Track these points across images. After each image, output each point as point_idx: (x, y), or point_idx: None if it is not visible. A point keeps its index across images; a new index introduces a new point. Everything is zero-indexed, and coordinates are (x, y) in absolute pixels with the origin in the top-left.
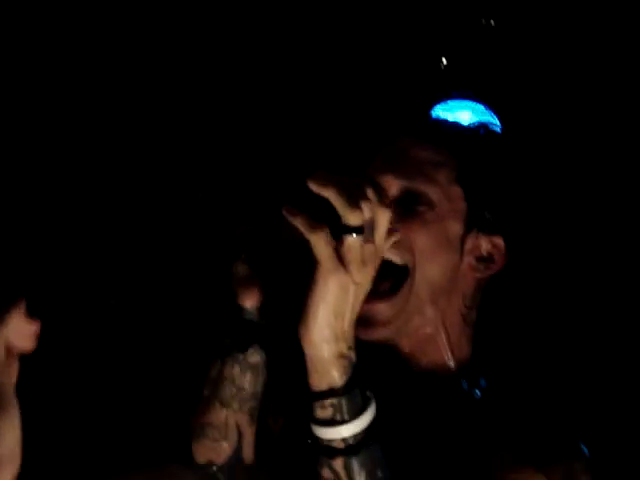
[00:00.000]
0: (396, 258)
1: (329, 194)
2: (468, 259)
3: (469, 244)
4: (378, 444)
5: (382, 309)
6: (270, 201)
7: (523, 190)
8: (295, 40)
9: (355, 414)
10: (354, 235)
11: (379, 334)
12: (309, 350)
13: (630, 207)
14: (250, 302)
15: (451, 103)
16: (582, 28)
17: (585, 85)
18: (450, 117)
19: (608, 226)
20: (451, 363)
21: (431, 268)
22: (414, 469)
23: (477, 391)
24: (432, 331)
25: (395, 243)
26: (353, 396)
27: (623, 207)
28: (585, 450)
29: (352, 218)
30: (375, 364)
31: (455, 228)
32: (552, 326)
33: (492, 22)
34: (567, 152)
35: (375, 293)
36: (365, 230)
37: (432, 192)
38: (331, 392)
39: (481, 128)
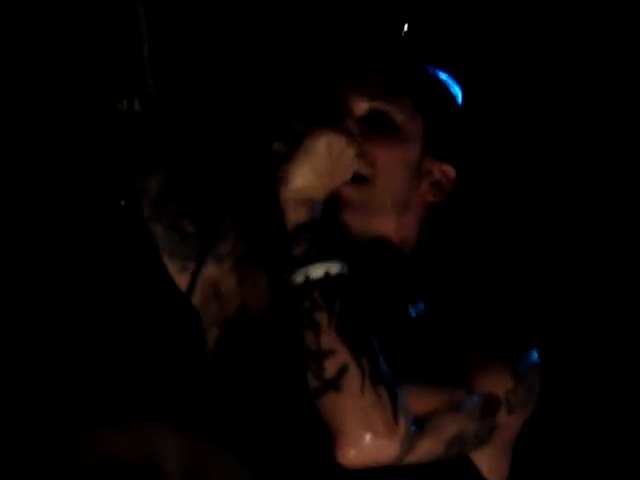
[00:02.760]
0: (359, 168)
1: None
2: (424, 182)
3: (424, 168)
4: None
5: (349, 191)
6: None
7: (478, 124)
8: None
9: (328, 255)
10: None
11: (345, 216)
12: (283, 194)
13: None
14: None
15: None
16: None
17: (547, 56)
18: None
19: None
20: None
21: (392, 180)
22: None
23: (419, 311)
24: (394, 241)
25: (360, 156)
26: (323, 237)
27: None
28: (534, 349)
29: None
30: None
31: (414, 150)
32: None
33: None
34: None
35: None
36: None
37: (396, 113)
38: (303, 227)
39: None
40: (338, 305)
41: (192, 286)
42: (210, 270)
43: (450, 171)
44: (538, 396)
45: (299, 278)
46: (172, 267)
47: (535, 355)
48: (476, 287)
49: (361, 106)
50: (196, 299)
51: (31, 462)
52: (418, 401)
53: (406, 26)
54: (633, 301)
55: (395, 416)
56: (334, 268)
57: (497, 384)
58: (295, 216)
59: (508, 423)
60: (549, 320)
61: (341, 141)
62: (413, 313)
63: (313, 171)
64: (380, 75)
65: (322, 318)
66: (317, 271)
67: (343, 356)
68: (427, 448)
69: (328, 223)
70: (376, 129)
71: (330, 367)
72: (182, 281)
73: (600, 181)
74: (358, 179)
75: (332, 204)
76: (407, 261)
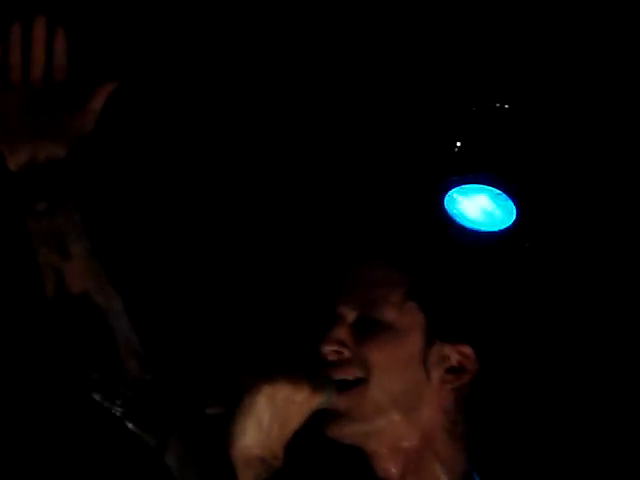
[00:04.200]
0: (347, 376)
1: None
2: (436, 372)
3: (434, 356)
4: None
5: (338, 401)
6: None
7: (481, 293)
8: None
9: None
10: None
11: (343, 430)
12: (231, 455)
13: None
14: None
15: (466, 187)
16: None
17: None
18: (465, 201)
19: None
20: (437, 467)
21: (388, 380)
22: None
23: None
24: (415, 446)
25: (346, 363)
26: None
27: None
28: None
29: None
30: None
31: (414, 343)
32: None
33: (506, 106)
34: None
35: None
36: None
37: (387, 313)
38: None
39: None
40: None
41: None
42: None
43: (467, 352)
44: None
45: None
46: None
47: None
48: None
49: (352, 314)
50: None
51: None
52: None
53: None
54: None
55: None
56: None
57: None
58: (244, 478)
59: None
60: None
61: (284, 389)
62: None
63: (257, 428)
64: (373, 271)
65: None
66: None
67: None
68: None
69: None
70: (368, 331)
71: None
72: None
73: None
74: (345, 386)
75: (325, 420)
76: (433, 463)
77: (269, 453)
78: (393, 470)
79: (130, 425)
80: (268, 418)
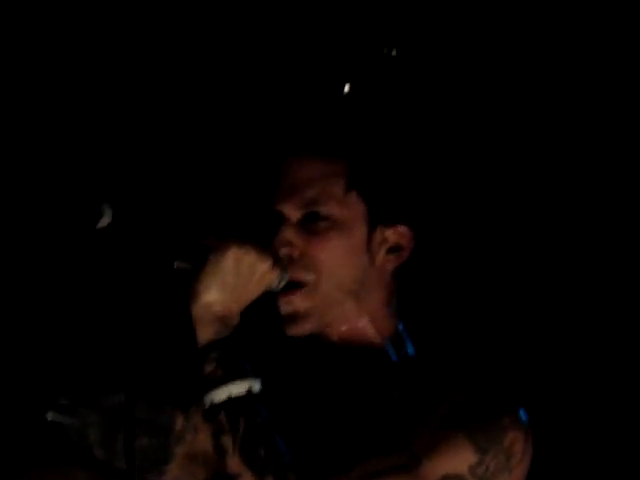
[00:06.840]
0: (299, 278)
1: None
2: (380, 255)
3: (377, 241)
4: (263, 418)
5: (298, 301)
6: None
7: (417, 175)
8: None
9: (234, 376)
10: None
11: (303, 328)
12: (192, 310)
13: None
14: None
15: None
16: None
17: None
18: None
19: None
20: (378, 340)
21: (338, 274)
22: (336, 446)
23: (399, 356)
24: (358, 323)
25: (296, 263)
26: (232, 355)
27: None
28: (519, 408)
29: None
30: (303, 355)
31: (358, 233)
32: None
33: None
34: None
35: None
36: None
37: (329, 208)
38: (211, 346)
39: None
40: (242, 428)
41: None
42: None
43: (404, 231)
44: (526, 453)
45: (206, 403)
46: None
47: (516, 417)
48: (463, 341)
49: (296, 214)
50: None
51: None
52: None
53: (347, 87)
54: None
55: None
56: (237, 389)
57: (457, 463)
58: (203, 334)
59: None
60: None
61: (250, 256)
62: (397, 359)
63: (221, 287)
64: (308, 166)
65: (227, 442)
66: (220, 395)
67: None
68: None
69: (257, 337)
70: (313, 230)
71: None
72: None
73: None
74: (298, 286)
75: (280, 319)
76: (375, 337)
77: (228, 313)
78: (335, 339)
79: None
80: (232, 280)
